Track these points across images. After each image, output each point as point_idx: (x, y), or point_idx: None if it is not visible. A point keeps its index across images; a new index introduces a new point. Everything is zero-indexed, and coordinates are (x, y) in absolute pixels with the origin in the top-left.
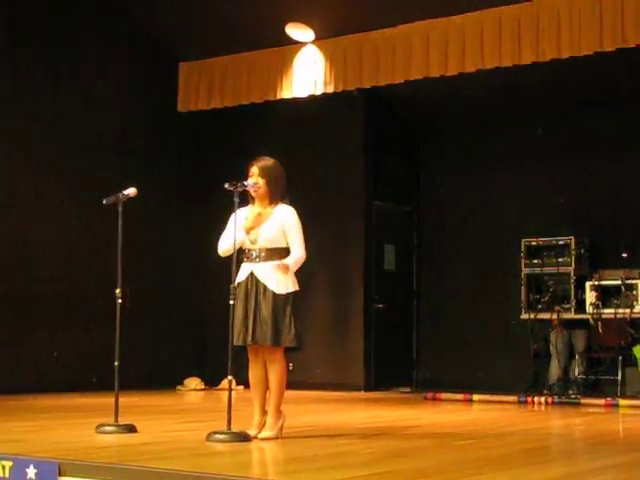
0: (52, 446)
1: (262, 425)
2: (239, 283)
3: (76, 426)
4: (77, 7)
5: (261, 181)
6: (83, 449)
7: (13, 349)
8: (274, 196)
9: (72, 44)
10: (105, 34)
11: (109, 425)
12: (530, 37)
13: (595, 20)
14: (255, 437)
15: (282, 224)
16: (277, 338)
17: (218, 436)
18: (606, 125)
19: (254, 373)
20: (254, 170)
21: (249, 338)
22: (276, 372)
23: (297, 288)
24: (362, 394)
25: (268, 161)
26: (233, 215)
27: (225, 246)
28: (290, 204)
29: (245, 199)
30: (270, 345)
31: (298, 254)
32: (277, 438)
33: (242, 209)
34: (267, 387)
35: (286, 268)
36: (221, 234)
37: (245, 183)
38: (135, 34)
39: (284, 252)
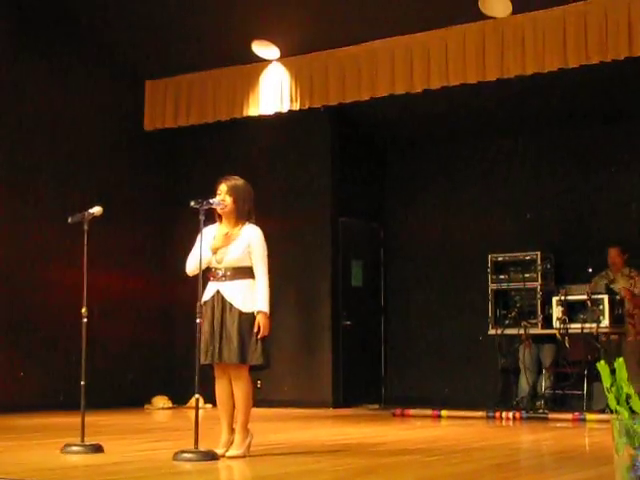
0: (17, 467)
1: (230, 443)
2: (205, 302)
3: (42, 446)
4: (44, 25)
5: (229, 199)
6: (49, 470)
7: None
8: (241, 215)
9: (38, 62)
10: (72, 52)
11: (75, 445)
12: (495, 54)
13: (559, 37)
14: (223, 456)
15: (248, 245)
16: (243, 357)
17: (185, 455)
18: (572, 142)
19: (220, 391)
20: (222, 188)
21: (216, 357)
22: (242, 390)
23: None
24: (330, 411)
25: (237, 180)
26: (200, 234)
27: (192, 265)
28: (257, 224)
29: (212, 217)
30: (236, 363)
31: (262, 283)
32: (244, 456)
33: (210, 227)
34: (234, 405)
35: (264, 325)
36: (189, 252)
37: (211, 201)
38: (101, 52)
39: (249, 271)
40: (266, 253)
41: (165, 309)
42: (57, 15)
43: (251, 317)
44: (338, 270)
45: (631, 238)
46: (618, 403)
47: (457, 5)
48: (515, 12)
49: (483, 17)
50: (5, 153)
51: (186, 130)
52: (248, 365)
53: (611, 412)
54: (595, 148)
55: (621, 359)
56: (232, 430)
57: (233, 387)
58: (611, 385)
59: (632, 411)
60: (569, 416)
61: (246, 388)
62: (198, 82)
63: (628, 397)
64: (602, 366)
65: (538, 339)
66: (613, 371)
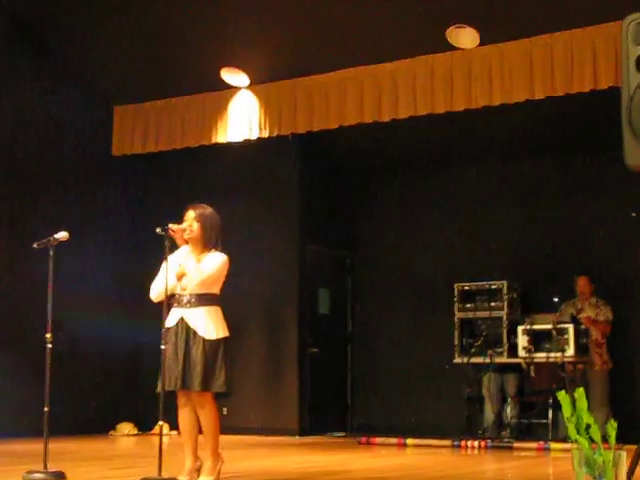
0: None
1: (193, 471)
2: (169, 328)
3: (3, 473)
4: (11, 47)
5: (195, 225)
6: None
7: None
8: (208, 243)
9: (6, 83)
10: (42, 76)
11: (37, 472)
12: (462, 84)
13: (526, 69)
14: None
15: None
16: (206, 384)
17: None
18: (539, 172)
19: (184, 418)
20: (190, 214)
21: (179, 383)
22: (207, 416)
23: (227, 334)
24: (296, 439)
25: (205, 208)
26: (165, 260)
27: (157, 291)
28: (223, 251)
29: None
30: (199, 390)
31: (196, 273)
32: None
33: (177, 252)
34: (198, 432)
35: (181, 232)
36: (154, 278)
37: (179, 227)
38: (70, 77)
39: (214, 298)
40: (219, 272)
41: (133, 334)
42: (26, 37)
43: (215, 344)
44: (305, 297)
45: (597, 268)
46: (578, 433)
47: (425, 35)
48: (482, 43)
49: (451, 47)
50: None
51: (154, 156)
52: (211, 392)
53: (572, 442)
54: (562, 178)
55: (581, 389)
56: (196, 457)
57: (199, 414)
58: (571, 415)
59: (592, 441)
60: (534, 445)
61: (212, 414)
62: (167, 108)
63: (588, 427)
64: (562, 396)
65: (503, 368)
66: (574, 401)
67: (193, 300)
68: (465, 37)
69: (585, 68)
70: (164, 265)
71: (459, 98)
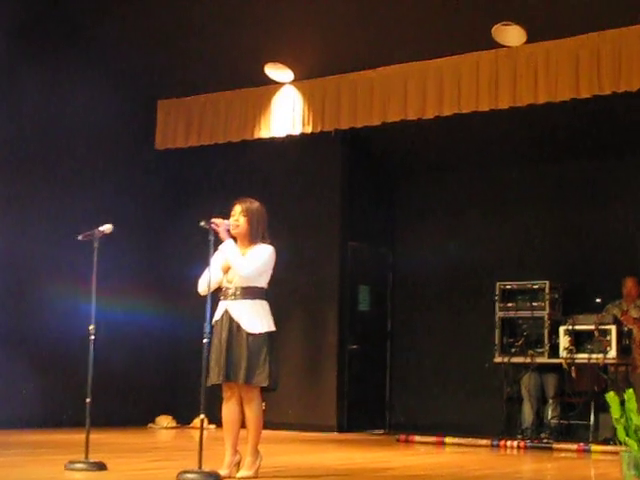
0: None
1: (232, 465)
2: (215, 321)
3: (45, 462)
4: (56, 44)
5: (242, 219)
6: None
7: None
8: (254, 237)
9: (49, 80)
10: (85, 71)
11: (79, 462)
12: (507, 82)
13: (572, 67)
14: (227, 477)
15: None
16: (249, 377)
17: (188, 475)
18: (585, 172)
19: (227, 412)
20: (237, 209)
21: (222, 377)
22: (253, 411)
23: (273, 328)
24: (335, 435)
25: (252, 202)
26: (215, 253)
27: (203, 285)
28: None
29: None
30: (243, 384)
31: (242, 264)
32: (255, 477)
33: (222, 246)
34: (240, 427)
35: (224, 226)
36: (199, 272)
37: (223, 222)
38: (114, 71)
39: (259, 291)
40: (266, 264)
41: (172, 328)
42: (70, 34)
43: (259, 338)
44: (345, 294)
45: None
46: (627, 435)
47: (471, 33)
48: (528, 41)
49: (497, 45)
50: (16, 171)
51: (197, 150)
52: (258, 387)
53: (618, 443)
54: (608, 178)
55: (631, 390)
56: (236, 451)
57: (245, 409)
58: (620, 416)
59: None
60: (574, 446)
61: (258, 410)
62: (210, 103)
63: (637, 429)
64: (611, 397)
65: (543, 368)
66: (622, 402)
67: (238, 293)
68: (511, 35)
69: (633, 66)
70: (210, 259)
71: (504, 96)
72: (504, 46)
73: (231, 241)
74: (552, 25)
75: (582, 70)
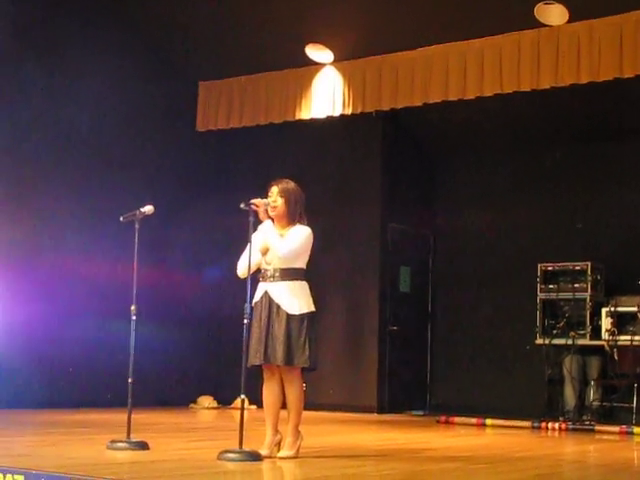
0: (63, 461)
1: (273, 445)
2: (255, 303)
3: (88, 441)
4: (99, 26)
5: (280, 200)
6: (94, 465)
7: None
8: (292, 217)
9: (92, 62)
10: (125, 53)
11: (121, 441)
12: (549, 62)
13: (615, 46)
14: (268, 457)
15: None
16: (289, 358)
17: (229, 455)
18: (626, 153)
19: (268, 393)
20: (274, 190)
21: (262, 358)
22: (294, 392)
23: (312, 309)
24: (375, 416)
25: (288, 183)
26: (254, 235)
27: (242, 267)
28: (308, 226)
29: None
30: (282, 365)
31: (280, 246)
32: (296, 457)
33: (261, 227)
34: (280, 407)
35: (264, 207)
36: (239, 253)
37: (262, 202)
38: (155, 53)
39: (298, 272)
40: (304, 245)
41: (213, 309)
42: (112, 15)
43: (299, 319)
44: (386, 275)
45: None
46: None
47: (513, 12)
48: (571, 20)
49: (539, 24)
50: (61, 153)
51: (238, 131)
52: (299, 367)
53: None
54: None
55: None
56: (276, 431)
57: (286, 390)
58: None
59: None
60: (616, 429)
61: (298, 390)
62: (251, 84)
63: None
64: None
65: (585, 350)
66: None
67: (277, 274)
68: (553, 14)
69: None
70: (250, 241)
71: (545, 76)
72: (546, 25)
73: (269, 222)
74: (595, 3)
75: (626, 49)
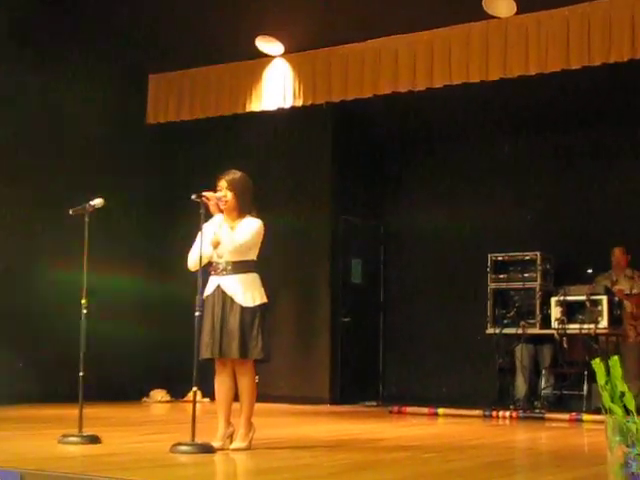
0: (14, 456)
1: (226, 437)
2: (207, 296)
3: (39, 436)
4: (46, 18)
5: (229, 194)
6: (45, 459)
7: None
8: (242, 209)
9: (40, 55)
10: (74, 46)
11: (72, 436)
12: (498, 53)
13: (562, 38)
14: (220, 449)
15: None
16: (244, 351)
17: (182, 447)
18: (573, 143)
19: (220, 386)
20: (222, 184)
21: (217, 351)
22: (246, 384)
23: (265, 300)
24: (328, 407)
25: (236, 174)
26: (203, 227)
27: (193, 260)
28: (258, 217)
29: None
30: (237, 358)
31: (231, 239)
32: (248, 449)
33: (212, 220)
34: (232, 399)
35: (215, 201)
36: (190, 246)
37: (214, 195)
38: (105, 45)
39: (250, 265)
40: (255, 237)
41: (165, 303)
42: (60, 7)
43: (252, 311)
44: (338, 267)
45: (633, 239)
46: (612, 401)
47: (461, 4)
48: (519, 12)
49: (487, 16)
50: (6, 148)
51: (188, 124)
52: (252, 359)
53: (606, 411)
54: (596, 149)
55: (616, 357)
56: (229, 424)
57: (238, 382)
58: (605, 383)
59: (626, 409)
60: (566, 416)
61: (251, 383)
62: (201, 77)
63: (622, 395)
64: (597, 364)
65: (536, 339)
66: (608, 369)
67: (229, 268)
68: (502, 6)
69: (624, 36)
70: (199, 234)
71: (494, 67)
72: (495, 17)
73: (221, 216)
74: None
75: (572, 41)
